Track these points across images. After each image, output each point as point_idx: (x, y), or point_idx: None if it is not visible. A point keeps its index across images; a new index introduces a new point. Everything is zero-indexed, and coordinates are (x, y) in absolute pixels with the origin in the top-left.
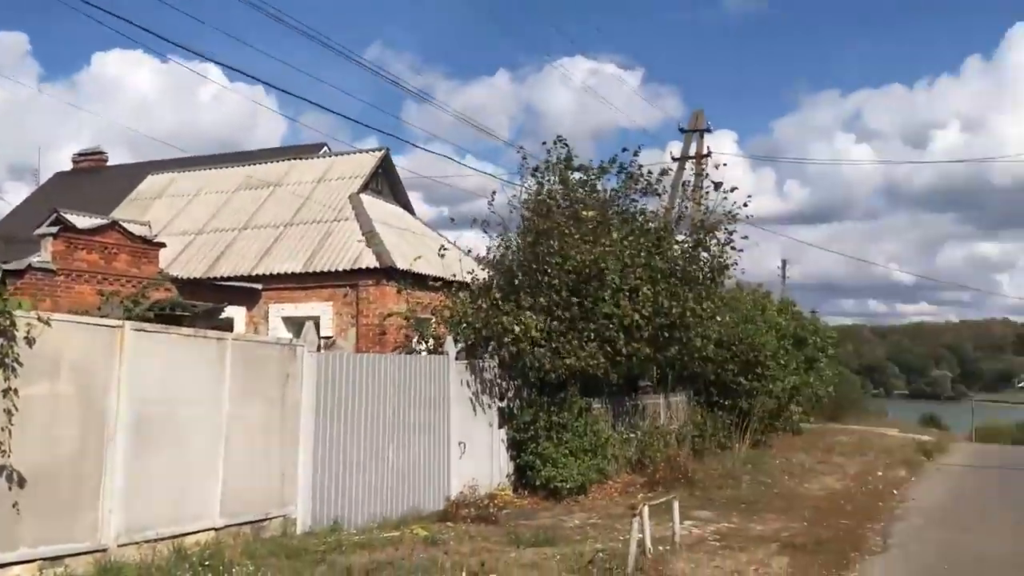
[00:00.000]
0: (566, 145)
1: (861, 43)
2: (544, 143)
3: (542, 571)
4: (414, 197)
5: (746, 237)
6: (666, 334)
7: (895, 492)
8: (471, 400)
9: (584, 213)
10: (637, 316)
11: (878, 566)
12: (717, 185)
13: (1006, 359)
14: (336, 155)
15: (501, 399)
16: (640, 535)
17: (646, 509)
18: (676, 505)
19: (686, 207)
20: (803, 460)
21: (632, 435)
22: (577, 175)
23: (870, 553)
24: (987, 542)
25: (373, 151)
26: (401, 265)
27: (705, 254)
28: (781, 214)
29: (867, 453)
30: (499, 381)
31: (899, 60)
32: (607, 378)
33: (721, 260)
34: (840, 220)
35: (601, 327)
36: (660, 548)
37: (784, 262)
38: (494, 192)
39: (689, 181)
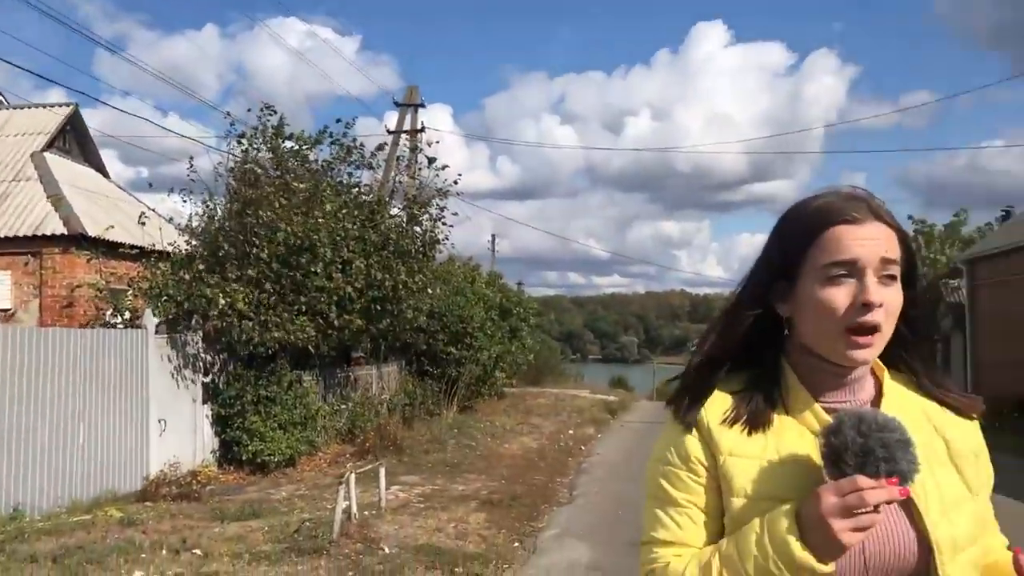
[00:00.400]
0: (274, 112)
1: (566, 29)
2: (249, 110)
3: (248, 543)
4: (109, 156)
5: (456, 213)
6: (379, 306)
7: (583, 448)
8: (172, 375)
9: (295, 184)
10: (350, 289)
11: (564, 515)
12: (431, 160)
13: (683, 326)
14: (15, 108)
15: (206, 374)
16: (346, 502)
17: (352, 476)
18: (383, 471)
19: (400, 181)
20: (505, 422)
21: (343, 406)
22: (289, 144)
23: (558, 504)
24: None
25: (60, 106)
26: (92, 232)
27: (418, 228)
28: (493, 189)
29: (561, 414)
30: (204, 355)
31: (599, 48)
32: (319, 350)
33: (433, 234)
34: (546, 197)
35: (313, 300)
36: (366, 513)
37: (494, 236)
38: (191, 158)
39: (403, 155)
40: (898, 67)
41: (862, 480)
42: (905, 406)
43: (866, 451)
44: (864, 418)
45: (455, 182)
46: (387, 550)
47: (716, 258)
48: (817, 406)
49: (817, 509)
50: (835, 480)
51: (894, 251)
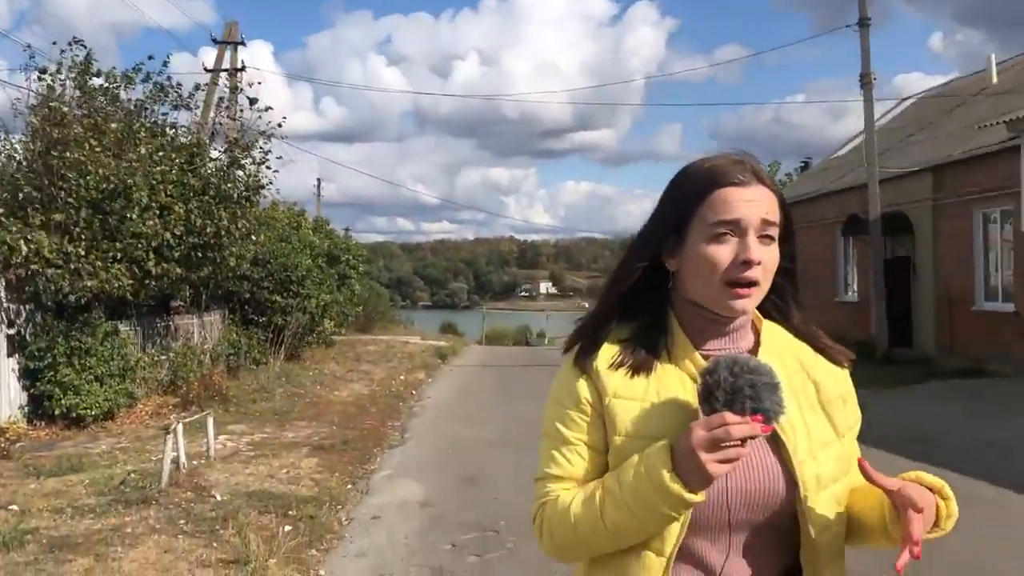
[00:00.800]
0: (84, 47)
1: None
2: (55, 43)
3: (69, 497)
4: None
5: (280, 157)
6: (200, 254)
7: (414, 393)
8: None
9: (107, 124)
10: (168, 235)
11: (396, 456)
12: (252, 101)
13: (512, 271)
14: None
15: (10, 326)
16: (174, 452)
17: (180, 427)
18: (211, 421)
19: (220, 123)
20: (335, 370)
21: (164, 357)
22: (98, 81)
23: (390, 447)
24: (483, 429)
25: None
26: None
27: (240, 173)
28: (318, 131)
29: (392, 360)
30: (6, 305)
31: None
32: (136, 299)
33: (257, 179)
34: (373, 140)
35: (129, 247)
36: (195, 463)
37: (319, 180)
38: None
39: (223, 96)
40: (713, 23)
41: (729, 416)
42: (781, 353)
43: (735, 390)
44: (737, 361)
45: (279, 125)
46: (219, 497)
47: (543, 205)
48: (697, 354)
49: (688, 442)
50: (707, 416)
51: (774, 213)
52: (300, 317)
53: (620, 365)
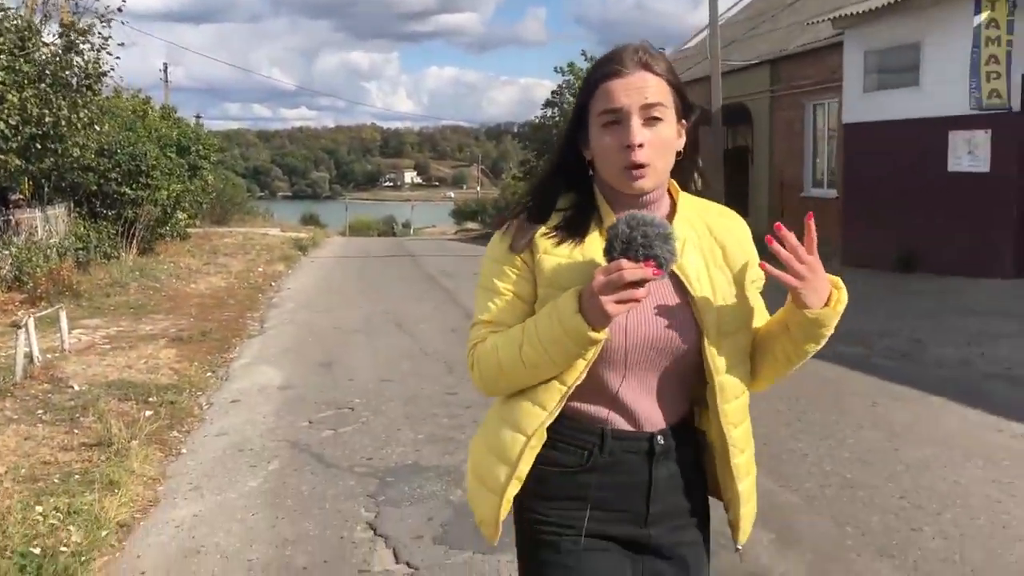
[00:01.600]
0: None
1: None
2: None
3: None
4: None
5: (123, 44)
6: (39, 144)
7: (273, 284)
8: None
9: None
10: (3, 126)
11: (256, 345)
12: None
13: (375, 161)
14: None
15: None
16: (27, 348)
17: (31, 321)
18: (63, 315)
19: (53, 5)
20: (191, 263)
21: (6, 252)
22: None
23: (249, 337)
24: (341, 318)
25: None
26: None
27: (79, 59)
28: (164, 10)
29: (250, 252)
30: None
31: None
32: None
33: (97, 66)
34: (224, 21)
35: None
36: (49, 356)
37: (166, 65)
38: None
39: None
40: None
41: (624, 262)
42: (692, 219)
43: (630, 240)
44: (635, 216)
45: (119, 9)
46: (77, 388)
47: (406, 91)
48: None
49: (590, 286)
50: (610, 262)
51: (655, 95)
52: (151, 209)
53: (554, 229)
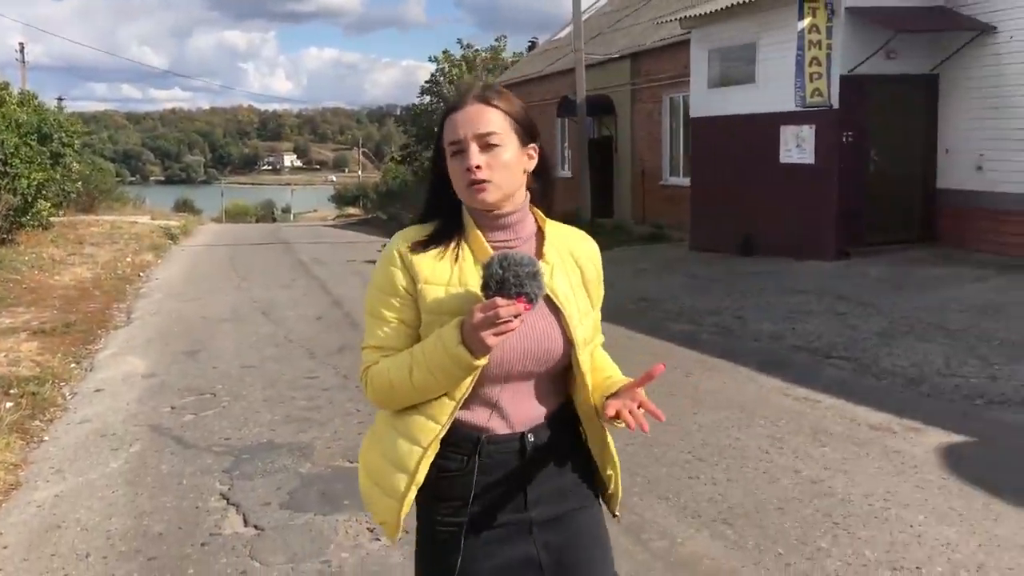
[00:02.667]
0: None
1: None
2: None
3: None
4: None
5: None
6: None
7: (141, 275)
8: None
9: None
10: None
11: (121, 336)
12: None
13: (253, 143)
14: None
15: None
16: None
17: None
18: None
19: None
20: (54, 254)
21: None
22: None
23: (115, 328)
24: (209, 307)
25: None
26: None
27: None
28: None
29: (118, 242)
30: None
31: None
32: None
33: None
34: None
35: None
36: None
37: (23, 45)
38: None
39: None
40: None
41: (498, 300)
42: (558, 246)
43: (503, 280)
44: (507, 256)
45: None
46: None
47: (285, 72)
48: (485, 243)
49: (470, 321)
50: (485, 300)
51: (486, 126)
52: (10, 199)
53: (431, 255)
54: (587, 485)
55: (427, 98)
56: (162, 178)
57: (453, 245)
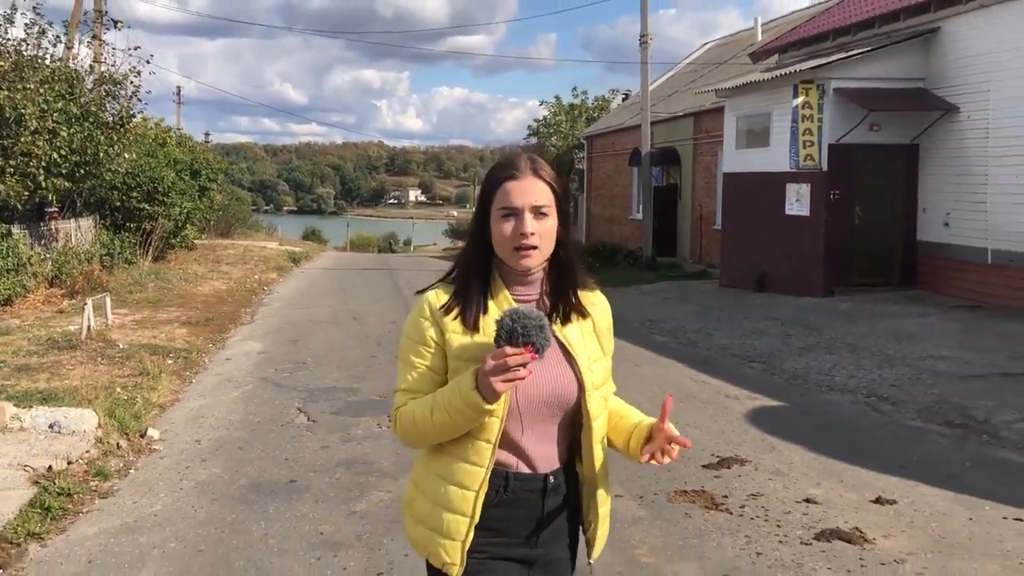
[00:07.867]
0: None
1: None
2: None
3: (15, 347)
4: None
5: (150, 91)
6: (82, 170)
7: (265, 289)
8: None
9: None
10: (55, 155)
11: (246, 329)
12: (116, 23)
13: (380, 178)
14: None
15: None
16: (88, 321)
17: (90, 301)
18: (108, 299)
19: (98, 60)
20: (197, 270)
21: (48, 255)
22: None
23: (242, 324)
24: (313, 312)
25: None
26: None
27: (114, 102)
28: (180, 23)
29: (249, 262)
30: None
31: None
32: (25, 207)
33: (129, 108)
34: (239, 36)
35: (21, 164)
36: (98, 328)
37: (179, 89)
38: None
39: (88, 17)
40: None
41: (508, 349)
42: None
43: (512, 331)
44: (516, 311)
45: (147, 61)
46: (122, 346)
47: (415, 110)
48: (509, 295)
49: (483, 368)
50: (497, 349)
51: (541, 199)
52: (165, 223)
53: (457, 307)
54: (575, 536)
55: (533, 139)
56: (295, 208)
57: (479, 299)
